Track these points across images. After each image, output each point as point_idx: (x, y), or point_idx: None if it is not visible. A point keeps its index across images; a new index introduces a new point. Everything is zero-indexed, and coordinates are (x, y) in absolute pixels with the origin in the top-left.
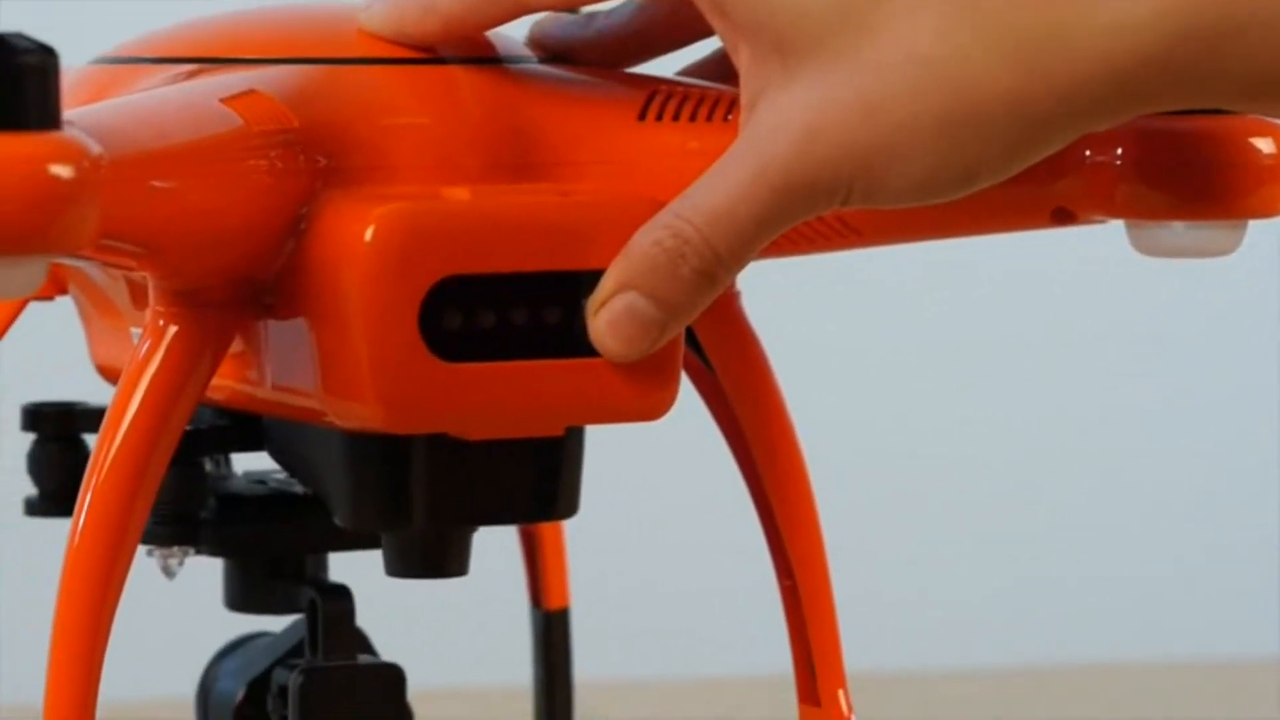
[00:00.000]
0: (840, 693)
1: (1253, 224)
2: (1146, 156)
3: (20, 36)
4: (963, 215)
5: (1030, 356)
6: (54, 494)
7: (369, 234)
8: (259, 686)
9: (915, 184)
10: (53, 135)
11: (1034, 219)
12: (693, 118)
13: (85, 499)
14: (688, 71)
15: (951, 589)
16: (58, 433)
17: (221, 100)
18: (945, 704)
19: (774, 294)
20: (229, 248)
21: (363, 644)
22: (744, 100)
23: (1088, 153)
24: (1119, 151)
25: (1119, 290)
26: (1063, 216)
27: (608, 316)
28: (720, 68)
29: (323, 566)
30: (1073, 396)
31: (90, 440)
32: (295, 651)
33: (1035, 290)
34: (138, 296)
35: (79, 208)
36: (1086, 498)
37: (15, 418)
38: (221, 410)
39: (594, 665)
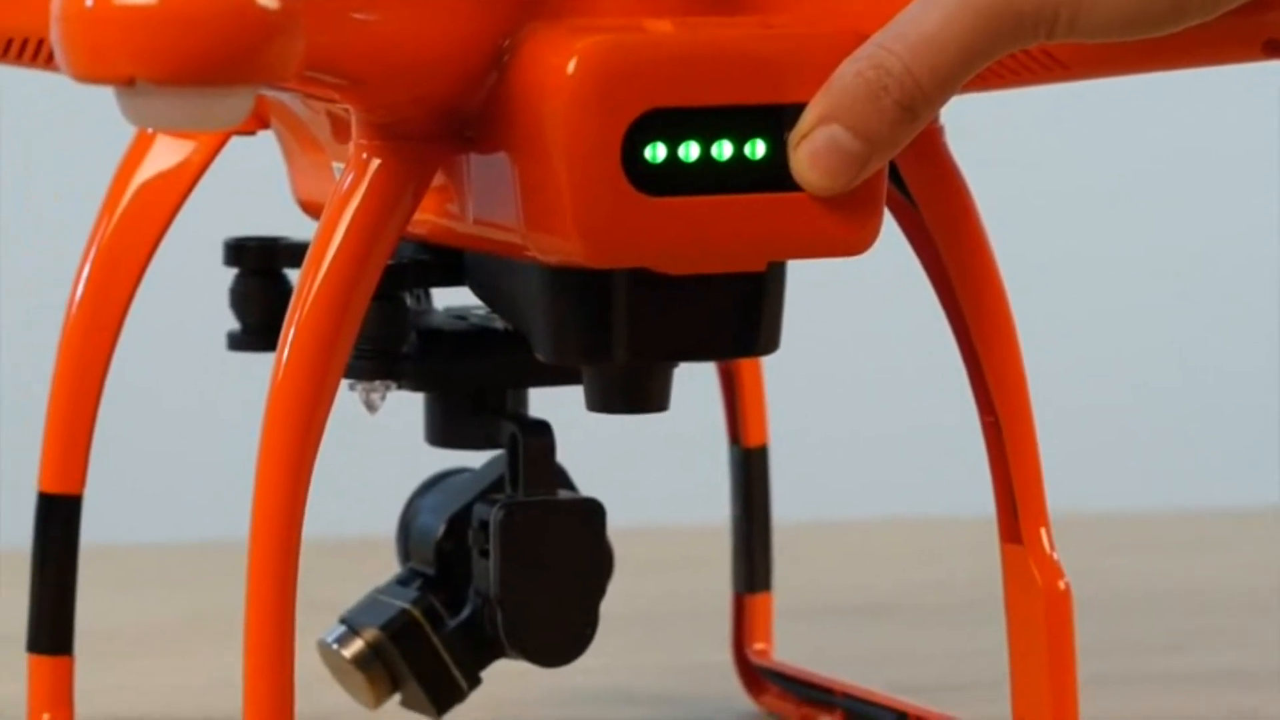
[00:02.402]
0: (1043, 530)
1: None
2: None
3: None
4: (1169, 48)
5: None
6: (256, 328)
7: (572, 66)
8: (459, 522)
9: (1122, 16)
10: None
11: (1244, 51)
12: None
13: (289, 333)
14: None
15: (1156, 427)
16: (260, 267)
17: None
18: (1143, 544)
19: (975, 128)
20: (432, 79)
21: (563, 479)
22: None
23: None
24: None
25: None
26: (1274, 48)
27: (809, 149)
28: None
29: (523, 402)
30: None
31: (292, 275)
32: (495, 487)
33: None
34: (340, 130)
35: (284, 38)
36: None
37: (218, 252)
38: (423, 245)
39: (792, 505)
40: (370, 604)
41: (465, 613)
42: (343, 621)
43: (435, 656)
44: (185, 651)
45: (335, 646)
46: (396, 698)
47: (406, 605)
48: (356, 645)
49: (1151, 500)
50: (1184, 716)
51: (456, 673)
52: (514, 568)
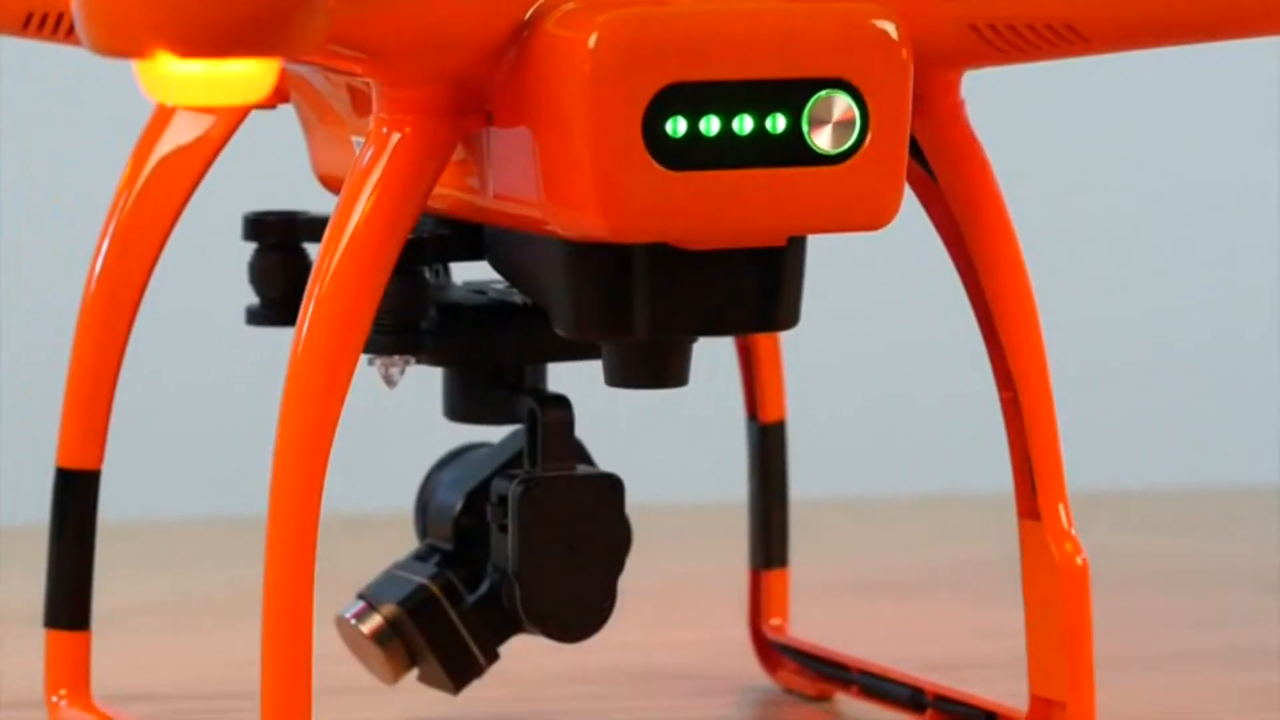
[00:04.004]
0: (1061, 506)
1: None
2: None
3: None
4: (1193, 20)
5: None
6: (276, 303)
7: (593, 40)
8: (478, 497)
9: None
10: None
11: (1268, 24)
12: None
13: (309, 307)
14: None
15: (1175, 404)
16: (279, 241)
17: None
18: (1162, 521)
19: (997, 101)
20: (453, 53)
21: (581, 454)
22: None
23: None
24: None
25: None
26: None
27: None
28: None
29: (542, 377)
30: None
31: (311, 250)
32: (514, 462)
33: None
34: (360, 104)
35: (306, 11)
36: None
37: (237, 226)
38: (443, 219)
39: (809, 481)
40: (388, 579)
41: (483, 588)
42: (361, 597)
43: (453, 632)
44: (203, 627)
45: (354, 622)
46: (414, 673)
47: (425, 581)
48: (375, 621)
49: (1171, 478)
50: (1200, 694)
51: (474, 648)
52: (532, 543)
